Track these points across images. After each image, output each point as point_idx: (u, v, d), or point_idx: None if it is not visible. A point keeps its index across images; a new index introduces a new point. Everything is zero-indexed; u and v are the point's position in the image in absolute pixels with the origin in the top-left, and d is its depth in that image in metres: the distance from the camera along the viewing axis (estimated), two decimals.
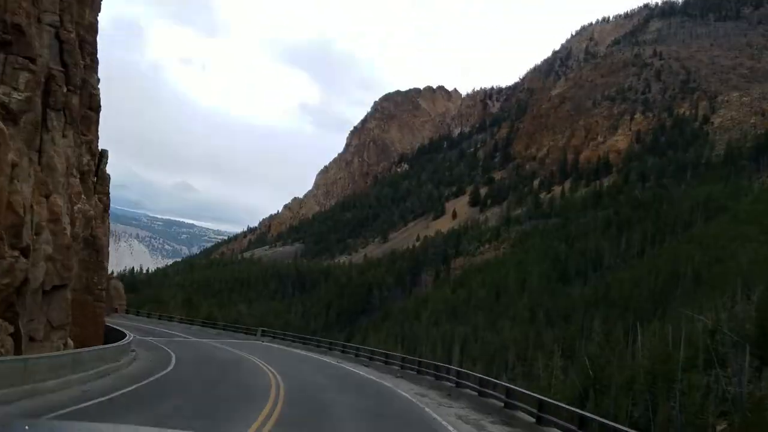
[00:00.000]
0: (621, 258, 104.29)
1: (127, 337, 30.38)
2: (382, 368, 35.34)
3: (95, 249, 30.26)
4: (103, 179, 33.96)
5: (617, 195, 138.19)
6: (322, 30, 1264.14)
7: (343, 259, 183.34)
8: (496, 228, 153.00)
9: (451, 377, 26.74)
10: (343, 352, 44.30)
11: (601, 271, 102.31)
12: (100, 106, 29.93)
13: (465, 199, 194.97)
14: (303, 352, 45.70)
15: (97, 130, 30.14)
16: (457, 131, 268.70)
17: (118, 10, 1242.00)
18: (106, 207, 34.90)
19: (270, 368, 29.16)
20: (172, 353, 34.23)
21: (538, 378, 43.66)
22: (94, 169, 30.84)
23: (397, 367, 33.99)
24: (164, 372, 25.37)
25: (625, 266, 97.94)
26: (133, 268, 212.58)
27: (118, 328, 37.01)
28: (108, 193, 35.05)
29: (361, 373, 33.15)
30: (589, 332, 65.23)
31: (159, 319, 63.91)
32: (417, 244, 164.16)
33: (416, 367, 31.89)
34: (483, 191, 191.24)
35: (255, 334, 56.70)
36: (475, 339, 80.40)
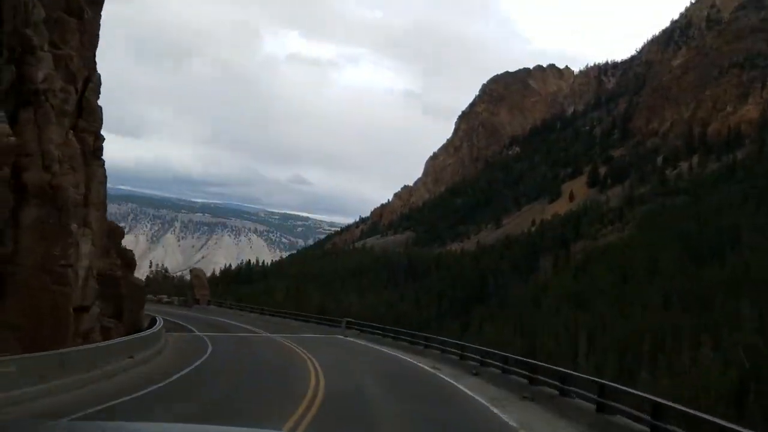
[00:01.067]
0: (763, 234, 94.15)
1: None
2: (498, 380, 24.22)
3: (56, 206, 21.15)
4: (92, 112, 26.47)
5: (752, 168, 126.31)
6: (425, 15, 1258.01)
7: (454, 246, 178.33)
8: (618, 208, 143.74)
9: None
10: (442, 351, 33.21)
11: (739, 249, 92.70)
12: (83, 11, 24.05)
13: (582, 179, 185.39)
14: (391, 352, 35.84)
15: (81, 41, 24.07)
16: (570, 110, 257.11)
17: (234, 13, 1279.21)
18: (96, 150, 27.50)
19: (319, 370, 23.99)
20: (206, 353, 29.27)
21: (684, 372, 37.51)
22: (74, 96, 24.06)
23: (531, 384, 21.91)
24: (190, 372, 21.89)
25: (767, 243, 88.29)
26: (249, 260, 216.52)
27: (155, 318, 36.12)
28: (97, 132, 27.11)
29: (470, 394, 21.46)
30: (735, 318, 57.78)
31: (241, 310, 61.41)
32: (532, 228, 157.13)
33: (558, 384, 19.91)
34: (602, 171, 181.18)
35: (339, 326, 49.34)
36: (602, 328, 73.92)
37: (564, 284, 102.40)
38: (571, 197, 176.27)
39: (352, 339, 43.58)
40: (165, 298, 62.64)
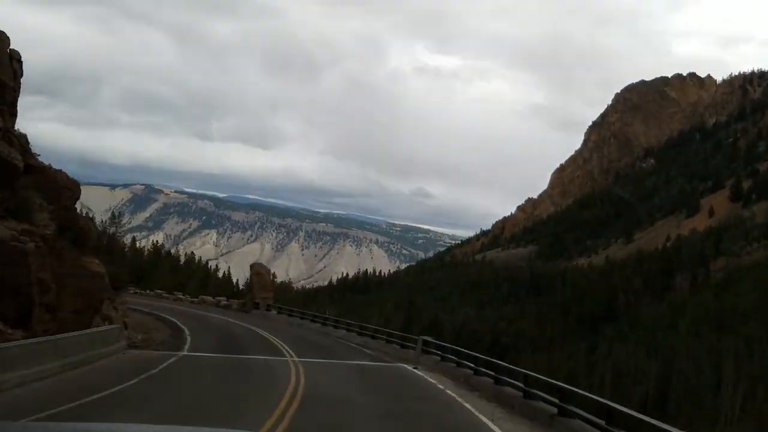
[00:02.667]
0: None
1: None
2: None
3: None
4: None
5: None
6: (553, 25, 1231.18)
7: (581, 261, 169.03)
8: (765, 224, 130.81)
9: None
10: (560, 412, 15.19)
11: None
12: None
13: (724, 193, 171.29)
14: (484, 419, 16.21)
15: None
16: (711, 121, 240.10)
17: (365, 27, 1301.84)
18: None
19: None
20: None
21: None
22: None
23: None
24: None
25: None
26: (366, 270, 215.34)
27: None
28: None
29: None
30: None
31: (302, 318, 44.36)
32: (668, 244, 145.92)
33: None
34: (746, 185, 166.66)
35: (413, 347, 30.08)
36: (749, 353, 65.11)
37: (704, 304, 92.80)
38: (711, 212, 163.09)
39: (423, 374, 24.90)
40: (224, 300, 55.44)
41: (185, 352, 24.65)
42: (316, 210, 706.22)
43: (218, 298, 56.83)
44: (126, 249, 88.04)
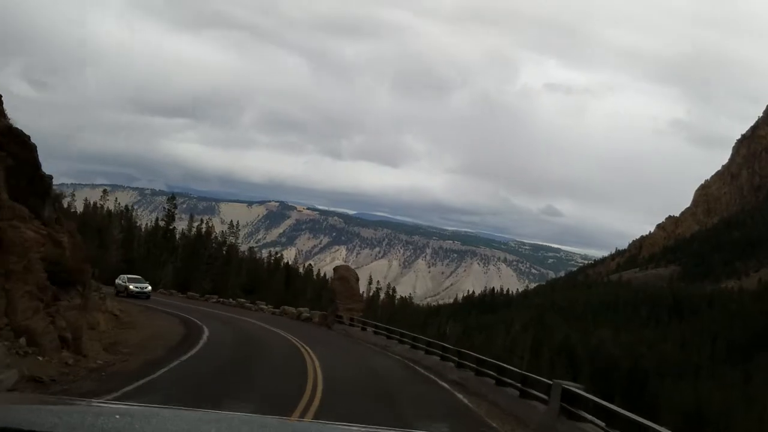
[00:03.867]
0: None
1: None
2: None
3: None
4: None
5: None
6: (694, 37, 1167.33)
7: (731, 283, 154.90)
8: None
9: None
10: None
11: None
12: None
13: None
14: None
15: None
16: None
17: (494, 44, 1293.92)
18: None
19: None
20: None
21: None
22: None
23: None
24: None
25: None
26: (493, 288, 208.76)
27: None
28: None
29: None
30: None
31: (389, 338, 33.22)
32: None
33: None
34: None
35: (542, 398, 14.96)
36: None
37: None
38: None
39: None
40: (305, 312, 46.02)
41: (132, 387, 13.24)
42: (444, 227, 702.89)
43: (300, 309, 48.22)
44: (243, 259, 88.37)
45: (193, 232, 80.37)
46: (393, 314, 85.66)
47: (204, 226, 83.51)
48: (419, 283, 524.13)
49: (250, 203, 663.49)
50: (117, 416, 2.44)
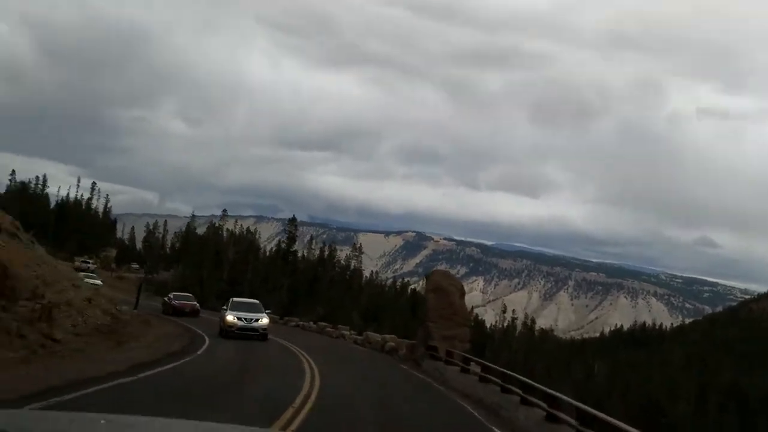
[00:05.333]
0: None
1: None
2: None
3: None
4: None
5: None
6: None
7: None
8: None
9: None
10: None
11: None
12: None
13: None
14: None
15: None
16: None
17: (640, 70, 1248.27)
18: None
19: None
20: None
21: None
22: None
23: None
24: None
25: None
26: (644, 322, 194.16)
27: None
28: None
29: None
30: None
31: (502, 390, 15.77)
32: None
33: None
34: None
35: None
36: None
37: None
38: None
39: None
40: (391, 341, 36.20)
41: None
42: (587, 259, 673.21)
43: (385, 337, 38.03)
44: (363, 284, 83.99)
45: (314, 255, 76.82)
46: (530, 348, 77.70)
47: (327, 250, 79.77)
48: (561, 316, 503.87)
49: (387, 233, 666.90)
50: (102, 421, 2.47)
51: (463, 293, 30.93)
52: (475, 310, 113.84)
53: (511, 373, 20.24)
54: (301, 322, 50.67)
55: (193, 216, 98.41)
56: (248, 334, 29.71)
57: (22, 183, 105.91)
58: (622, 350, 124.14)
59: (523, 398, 17.23)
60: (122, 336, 22.05)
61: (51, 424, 2.14)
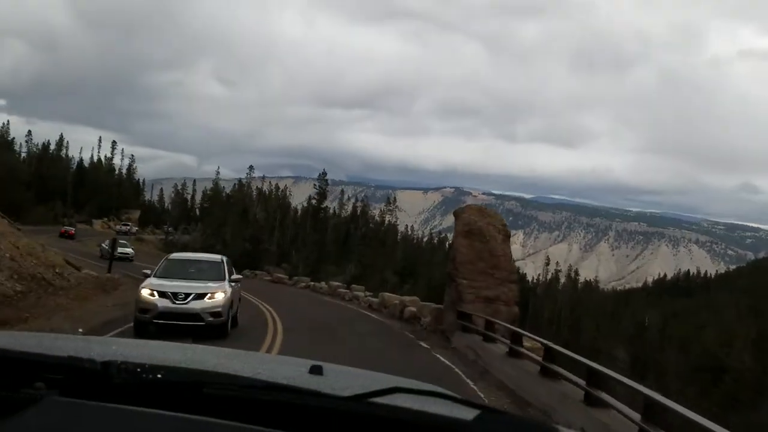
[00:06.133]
0: None
1: None
2: None
3: None
4: None
5: None
6: None
7: None
8: None
9: None
10: None
11: None
12: None
13: None
14: None
15: None
16: None
17: (674, 16, 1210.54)
18: None
19: None
20: None
21: None
22: None
23: None
24: None
25: None
26: (688, 270, 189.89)
27: None
28: None
29: None
30: None
31: (587, 397, 10.79)
32: None
33: None
34: None
35: None
36: None
37: None
38: None
39: None
40: (411, 305, 27.76)
41: None
42: (627, 209, 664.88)
43: (404, 299, 29.70)
44: (398, 239, 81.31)
45: (347, 212, 74.11)
46: (575, 302, 74.76)
47: (359, 206, 77.11)
48: (602, 267, 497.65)
49: (426, 190, 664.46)
50: (80, 338, 2.56)
51: (507, 235, 21.86)
52: (517, 264, 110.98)
53: (604, 370, 10.48)
54: (312, 282, 45.30)
55: (218, 176, 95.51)
56: (180, 326, 14.64)
57: (44, 146, 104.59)
58: (667, 300, 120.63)
59: (590, 388, 10.37)
60: (24, 311, 15.90)
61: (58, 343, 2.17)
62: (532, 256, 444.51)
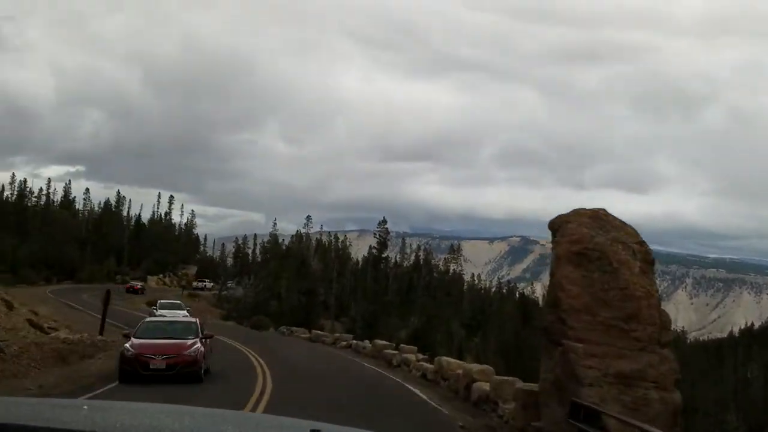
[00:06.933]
0: None
1: None
2: None
3: None
4: None
5: None
6: None
7: None
8: None
9: None
10: None
11: None
12: None
13: None
14: None
15: None
16: None
17: (742, 53, 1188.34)
18: None
19: None
20: None
21: None
22: None
23: None
24: None
25: None
26: None
27: None
28: None
29: None
30: None
31: None
32: None
33: None
34: None
35: None
36: None
37: None
38: None
39: None
40: (481, 378, 18.39)
41: None
42: (704, 255, 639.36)
43: (471, 368, 19.75)
44: (465, 289, 76.75)
45: (409, 262, 70.14)
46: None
47: (422, 254, 73.10)
48: (681, 316, 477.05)
49: (491, 240, 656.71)
50: (84, 408, 2.55)
51: (649, 261, 13.49)
52: None
53: None
54: (354, 341, 37.56)
55: (274, 227, 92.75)
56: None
57: (105, 204, 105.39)
58: (756, 350, 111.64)
59: None
60: None
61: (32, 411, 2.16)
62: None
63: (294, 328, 47.58)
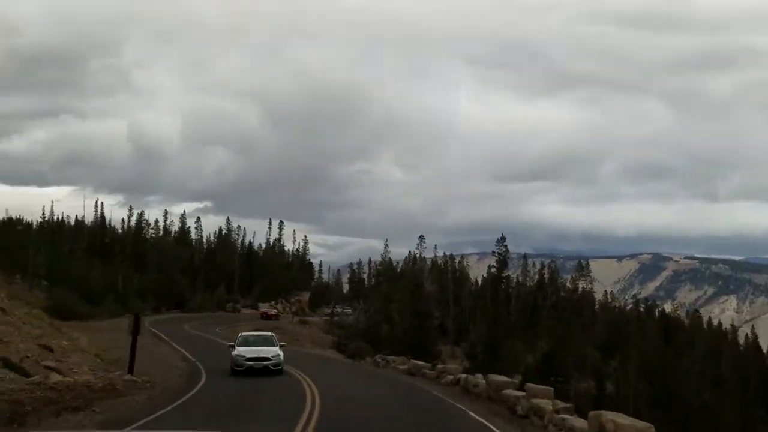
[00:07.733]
0: None
1: None
2: None
3: None
4: None
5: None
6: None
7: None
8: None
9: None
10: None
11: None
12: None
13: None
14: None
15: None
16: None
17: None
18: None
19: None
20: None
21: None
22: None
23: None
24: None
25: None
26: None
27: None
28: None
29: None
30: None
31: None
32: None
33: None
34: None
35: None
36: None
37: None
38: None
39: None
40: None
41: None
42: None
43: (621, 424, 12.64)
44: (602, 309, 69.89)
45: (532, 281, 64.62)
46: None
47: (547, 273, 67.24)
48: None
49: (620, 258, 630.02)
50: None
51: None
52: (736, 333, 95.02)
53: None
54: (463, 375, 28.21)
55: (386, 249, 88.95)
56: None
57: (219, 234, 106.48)
58: None
59: None
60: None
61: None
62: (750, 323, 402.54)
63: (391, 358, 40.08)
